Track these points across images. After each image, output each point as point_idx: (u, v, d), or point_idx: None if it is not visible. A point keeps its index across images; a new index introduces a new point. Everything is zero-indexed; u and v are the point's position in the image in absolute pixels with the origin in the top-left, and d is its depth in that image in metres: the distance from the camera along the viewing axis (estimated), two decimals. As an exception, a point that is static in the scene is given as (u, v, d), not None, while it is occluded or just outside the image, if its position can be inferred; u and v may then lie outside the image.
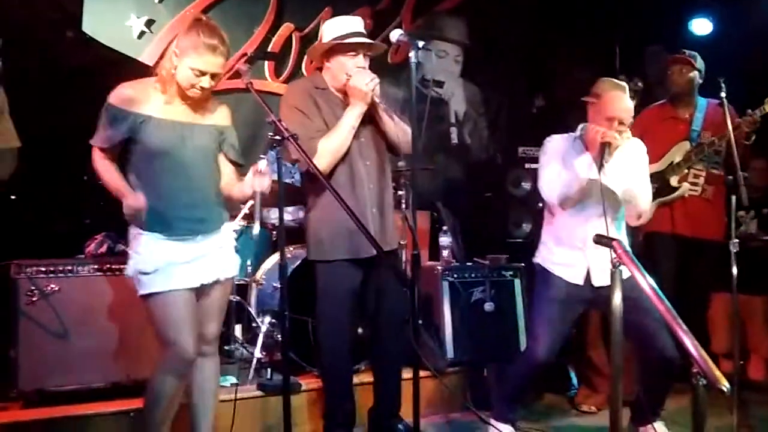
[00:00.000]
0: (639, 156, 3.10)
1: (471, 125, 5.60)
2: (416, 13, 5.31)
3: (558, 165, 3.03)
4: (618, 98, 2.97)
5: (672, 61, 3.92)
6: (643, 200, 3.04)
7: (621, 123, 2.93)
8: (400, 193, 3.81)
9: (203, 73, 2.42)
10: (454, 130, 5.53)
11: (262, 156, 3.92)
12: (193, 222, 2.51)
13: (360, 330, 3.41)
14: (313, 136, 2.85)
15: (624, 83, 3.27)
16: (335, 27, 2.98)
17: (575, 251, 3.02)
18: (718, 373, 1.91)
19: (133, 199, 2.38)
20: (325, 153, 2.86)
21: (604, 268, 2.88)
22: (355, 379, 3.19)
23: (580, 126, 3.11)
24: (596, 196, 2.93)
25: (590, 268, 3.01)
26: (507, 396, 3.20)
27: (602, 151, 2.87)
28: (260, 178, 2.48)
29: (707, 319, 4.11)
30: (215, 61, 2.42)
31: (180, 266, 2.46)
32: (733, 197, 3.24)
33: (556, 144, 3.12)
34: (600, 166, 2.86)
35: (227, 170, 2.66)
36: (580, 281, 3.02)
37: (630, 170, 3.00)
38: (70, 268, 3.07)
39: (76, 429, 2.87)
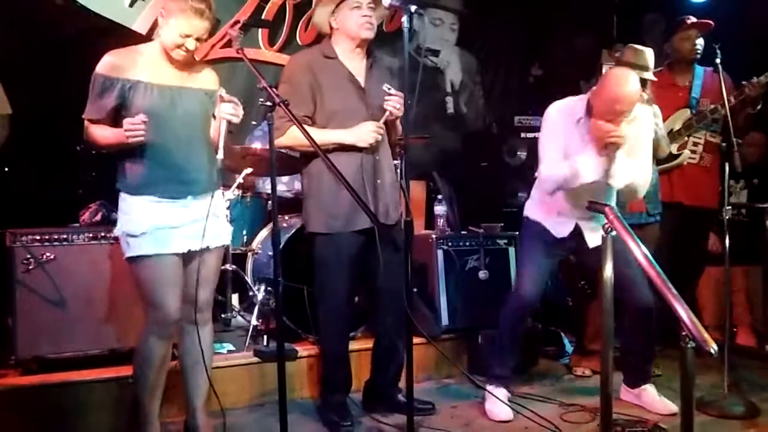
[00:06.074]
0: (644, 128, 3.01)
1: (467, 94, 5.57)
2: (412, -20, 5.24)
3: (559, 152, 2.94)
4: (623, 83, 2.79)
5: (691, 25, 3.81)
6: (642, 191, 3.03)
7: (624, 113, 2.81)
8: (395, 162, 3.80)
9: (188, 36, 2.44)
10: (449, 100, 5.50)
11: (254, 122, 3.94)
12: (182, 183, 2.51)
13: (356, 298, 3.42)
14: (290, 119, 2.81)
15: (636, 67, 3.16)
16: None
17: (568, 218, 3.07)
18: (706, 335, 1.95)
19: (130, 120, 2.35)
20: (291, 140, 2.89)
21: (594, 238, 2.95)
22: (352, 346, 3.22)
23: (589, 92, 2.99)
24: (597, 188, 2.93)
25: (582, 229, 3.05)
26: (498, 351, 3.23)
27: (608, 149, 2.81)
28: (224, 104, 2.49)
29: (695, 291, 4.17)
30: (201, 24, 2.45)
31: (167, 230, 2.47)
32: (726, 164, 3.25)
33: (558, 118, 3.01)
34: (607, 167, 2.82)
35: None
36: (565, 234, 3.08)
37: (632, 164, 2.92)
38: (65, 236, 3.07)
39: (73, 395, 2.90)
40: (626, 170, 2.91)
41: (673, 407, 3.07)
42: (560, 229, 3.10)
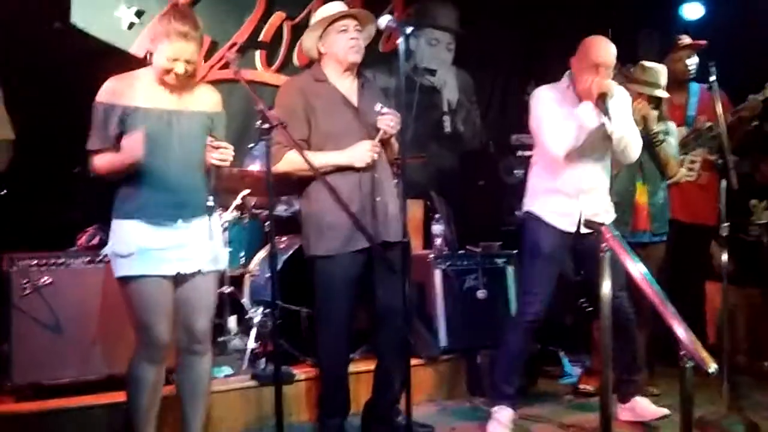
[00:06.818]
0: (625, 104, 3.11)
1: (464, 113, 5.59)
2: (408, 0, 5.29)
3: (558, 116, 2.99)
4: (601, 42, 2.98)
5: (686, 46, 3.87)
6: (635, 148, 3.07)
7: (606, 68, 2.94)
8: (394, 181, 3.81)
9: (176, 60, 2.43)
10: (446, 119, 5.52)
11: (250, 145, 3.95)
12: (173, 207, 2.50)
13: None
14: (286, 144, 2.83)
15: None
16: (321, 12, 3.00)
17: (570, 199, 3.06)
18: (705, 354, 1.95)
19: (128, 139, 2.37)
20: (288, 165, 2.88)
21: (595, 213, 2.97)
22: (350, 368, 3.19)
23: (567, 73, 3.10)
24: (594, 145, 2.99)
25: (582, 214, 3.05)
26: (505, 367, 3.20)
27: (603, 102, 2.88)
28: (211, 151, 2.51)
29: (705, 311, 4.15)
30: (187, 47, 2.43)
31: (155, 252, 2.46)
32: (723, 181, 3.26)
33: (547, 94, 3.10)
34: (606, 115, 2.88)
35: None
36: (573, 228, 3.07)
37: (623, 117, 3.00)
38: (62, 260, 3.06)
39: (70, 421, 2.88)
40: (620, 120, 2.96)
41: (664, 410, 3.11)
42: (566, 222, 3.07)
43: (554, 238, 3.09)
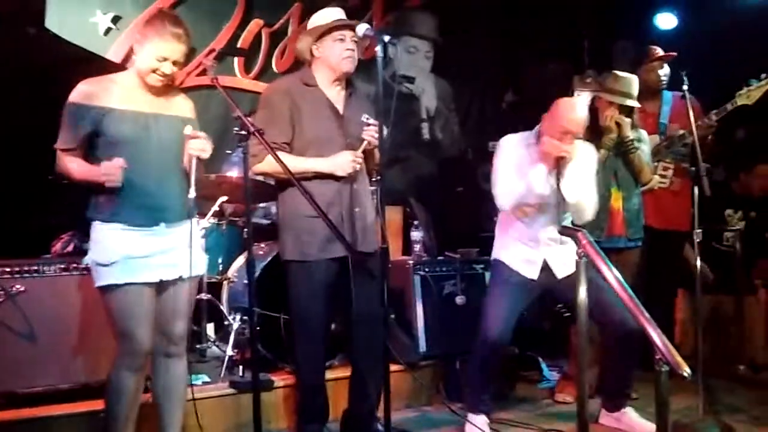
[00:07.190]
0: (588, 162, 3.15)
1: (442, 121, 5.63)
2: (387, 9, 5.32)
3: (512, 172, 3.06)
4: (570, 110, 3.01)
5: (657, 57, 3.95)
6: (589, 212, 3.10)
7: (573, 135, 2.98)
8: (371, 188, 3.81)
9: (165, 59, 2.45)
10: (425, 126, 5.55)
11: (228, 151, 3.94)
12: (155, 211, 2.49)
13: (333, 326, 3.40)
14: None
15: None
16: (320, 17, 3.00)
17: (532, 248, 3.13)
18: (679, 359, 1.97)
19: (108, 164, 2.36)
20: (269, 166, 2.87)
21: (565, 260, 3.00)
22: (328, 374, 3.19)
23: (538, 125, 3.13)
24: (550, 206, 3.03)
25: (549, 263, 3.11)
26: (474, 385, 3.23)
27: (558, 166, 2.94)
28: (191, 141, 2.49)
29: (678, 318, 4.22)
30: (179, 48, 2.47)
31: (138, 260, 2.44)
32: (695, 188, 3.31)
33: (511, 147, 3.16)
34: (557, 180, 2.94)
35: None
36: (535, 276, 3.12)
37: (580, 182, 3.04)
38: (36, 268, 3.00)
39: (45, 430, 2.83)
40: (575, 186, 3.01)
41: (653, 427, 3.07)
42: (529, 269, 3.14)
43: (520, 280, 3.15)
